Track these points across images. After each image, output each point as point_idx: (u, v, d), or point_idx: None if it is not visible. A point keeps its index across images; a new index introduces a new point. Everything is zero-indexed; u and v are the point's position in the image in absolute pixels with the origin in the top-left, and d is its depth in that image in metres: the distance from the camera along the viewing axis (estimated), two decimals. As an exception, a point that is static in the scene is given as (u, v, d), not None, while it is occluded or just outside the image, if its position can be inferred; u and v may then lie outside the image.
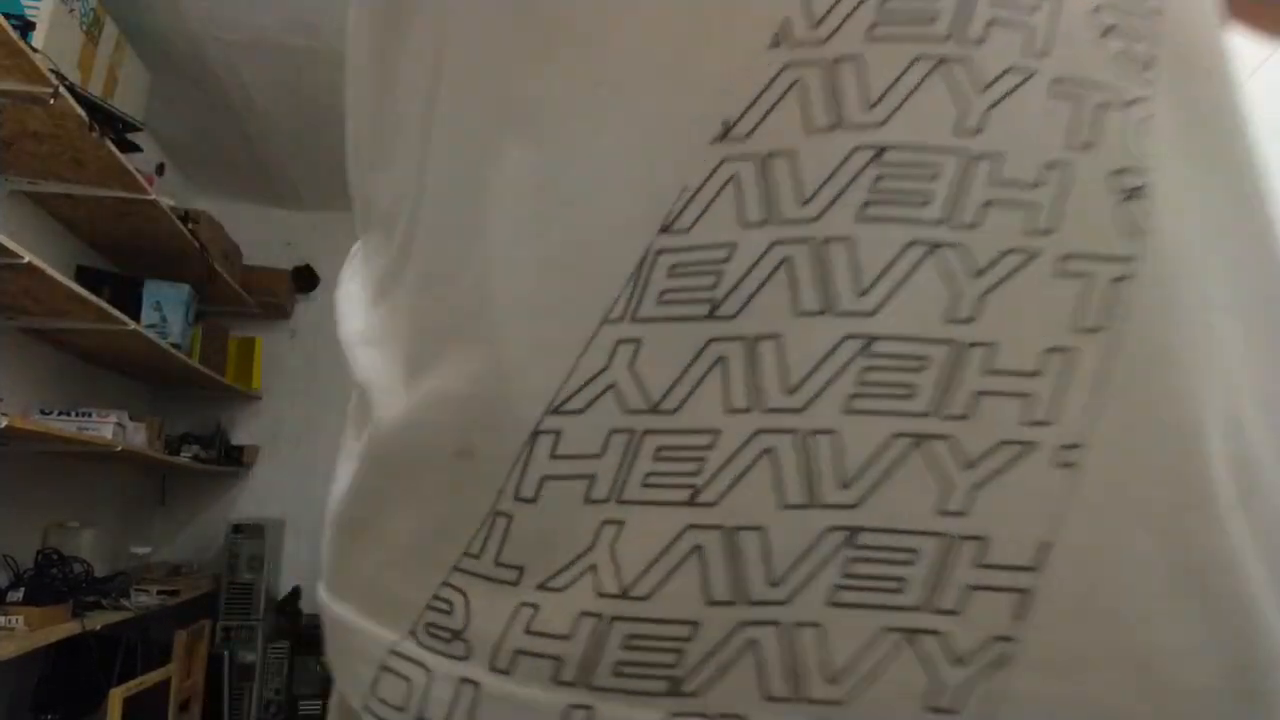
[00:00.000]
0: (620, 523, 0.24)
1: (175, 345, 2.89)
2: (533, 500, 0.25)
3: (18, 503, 2.56)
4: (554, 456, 0.25)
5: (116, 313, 2.39)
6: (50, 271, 1.98)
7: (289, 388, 3.84)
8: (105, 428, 2.48)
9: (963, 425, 0.23)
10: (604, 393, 0.24)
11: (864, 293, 0.23)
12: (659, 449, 0.24)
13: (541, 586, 0.25)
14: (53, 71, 1.92)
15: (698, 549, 0.23)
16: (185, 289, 3.02)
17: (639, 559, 0.23)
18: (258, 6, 2.48)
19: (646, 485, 0.24)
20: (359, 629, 0.29)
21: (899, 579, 0.23)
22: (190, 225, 2.90)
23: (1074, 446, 0.23)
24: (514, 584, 0.25)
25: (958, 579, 0.22)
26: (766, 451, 0.23)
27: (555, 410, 0.25)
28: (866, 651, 0.22)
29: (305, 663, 3.42)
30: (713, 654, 0.23)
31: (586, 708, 0.24)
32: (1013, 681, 0.22)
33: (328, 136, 3.24)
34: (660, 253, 0.24)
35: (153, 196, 2.51)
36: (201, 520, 3.71)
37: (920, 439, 0.23)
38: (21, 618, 2.08)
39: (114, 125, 2.31)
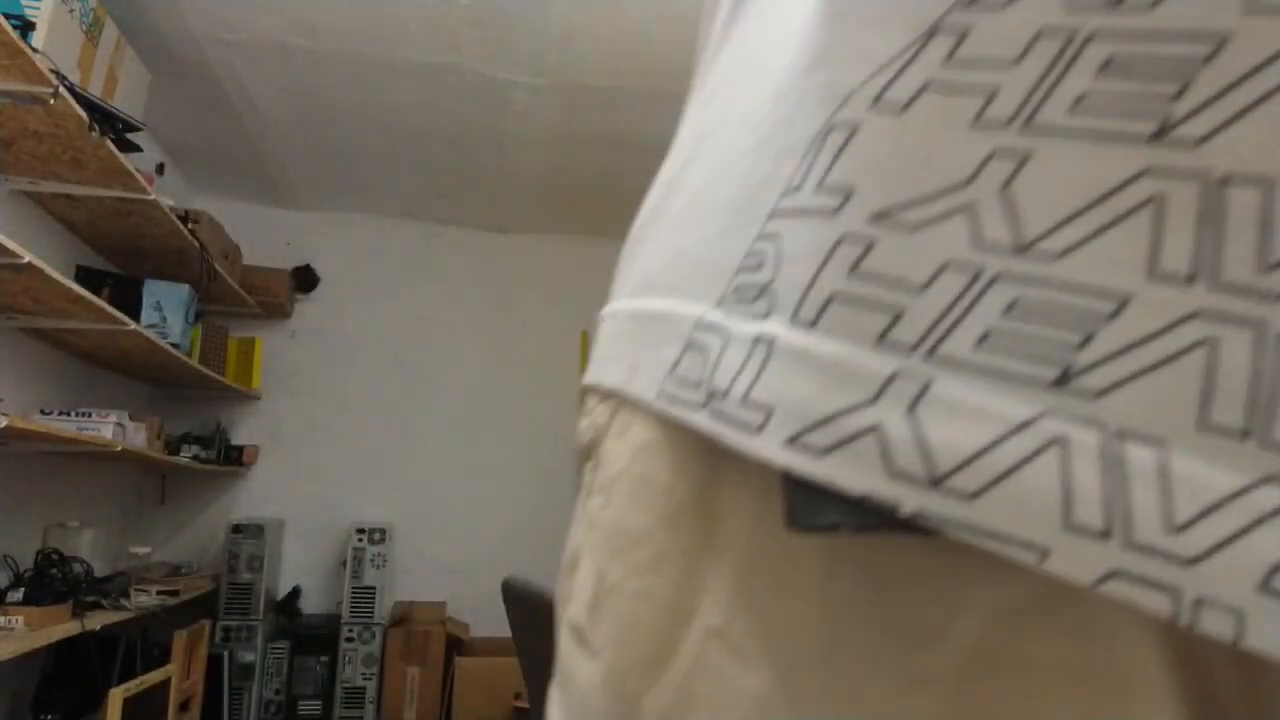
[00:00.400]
0: (1026, 155, 0.18)
1: (175, 345, 2.89)
2: (902, 110, 0.19)
3: (18, 503, 2.56)
4: (949, 60, 0.19)
5: (116, 313, 2.39)
6: (50, 271, 1.97)
7: (289, 388, 3.84)
8: (105, 428, 2.48)
9: None
10: None
11: None
12: (1110, 60, 0.17)
13: (880, 217, 0.19)
14: (53, 71, 1.92)
15: (1154, 201, 0.17)
16: (185, 289, 3.02)
17: (1052, 207, 0.18)
18: (258, 7, 2.48)
19: (1080, 110, 0.18)
20: (664, 314, 0.25)
21: None
22: (190, 225, 2.90)
23: None
24: (838, 211, 0.20)
25: None
26: None
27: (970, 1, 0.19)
28: None
29: (305, 663, 3.42)
30: (1138, 344, 0.17)
31: (920, 379, 0.18)
32: None
33: (328, 136, 3.24)
34: None
35: (153, 196, 2.50)
36: (201, 520, 3.71)
37: None
38: (21, 618, 2.08)
39: (114, 125, 2.31)
